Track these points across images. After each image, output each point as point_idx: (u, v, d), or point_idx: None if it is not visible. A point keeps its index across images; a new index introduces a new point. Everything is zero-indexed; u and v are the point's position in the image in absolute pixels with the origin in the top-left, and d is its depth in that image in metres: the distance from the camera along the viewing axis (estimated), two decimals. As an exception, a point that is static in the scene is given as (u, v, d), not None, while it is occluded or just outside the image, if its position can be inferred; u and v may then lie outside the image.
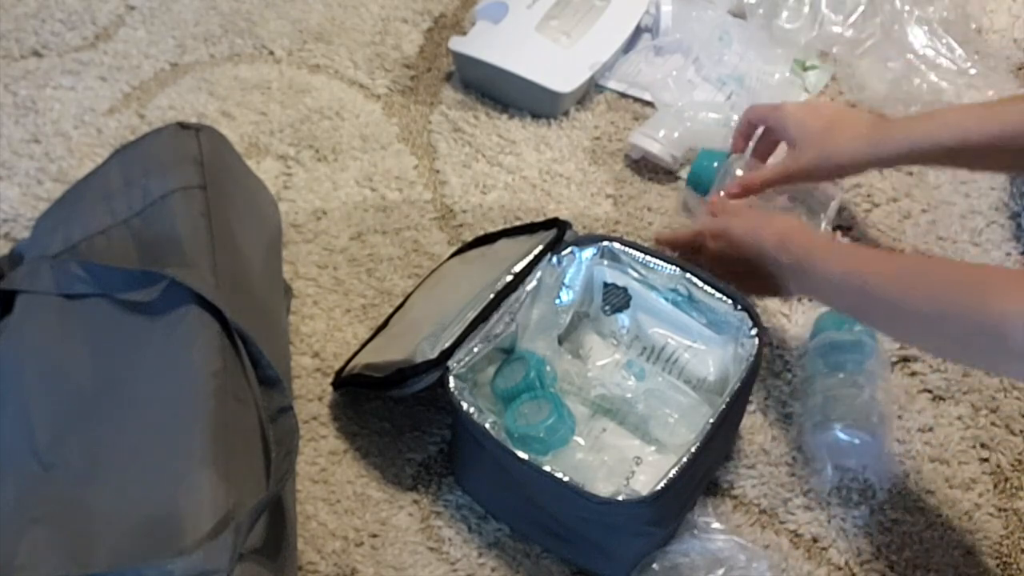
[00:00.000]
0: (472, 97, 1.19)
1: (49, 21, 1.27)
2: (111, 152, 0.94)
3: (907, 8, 1.18)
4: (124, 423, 0.75)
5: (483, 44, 1.17)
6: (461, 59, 1.18)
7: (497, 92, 1.18)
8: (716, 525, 0.85)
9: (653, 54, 1.23)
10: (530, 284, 0.88)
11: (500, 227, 1.03)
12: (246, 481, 0.73)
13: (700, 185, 1.05)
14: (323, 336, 0.99)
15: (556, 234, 0.90)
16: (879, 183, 1.10)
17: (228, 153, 0.95)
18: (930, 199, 1.09)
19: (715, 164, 1.04)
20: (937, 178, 1.11)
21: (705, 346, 0.89)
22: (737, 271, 0.90)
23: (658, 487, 0.75)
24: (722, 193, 0.99)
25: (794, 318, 1.00)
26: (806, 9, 1.20)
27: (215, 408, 0.74)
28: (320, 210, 1.09)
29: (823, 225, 1.01)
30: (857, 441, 0.87)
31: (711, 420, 0.80)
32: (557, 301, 0.91)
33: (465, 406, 0.80)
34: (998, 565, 0.85)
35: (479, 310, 0.85)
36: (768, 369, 0.96)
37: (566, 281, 0.91)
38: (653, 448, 0.87)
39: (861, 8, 1.20)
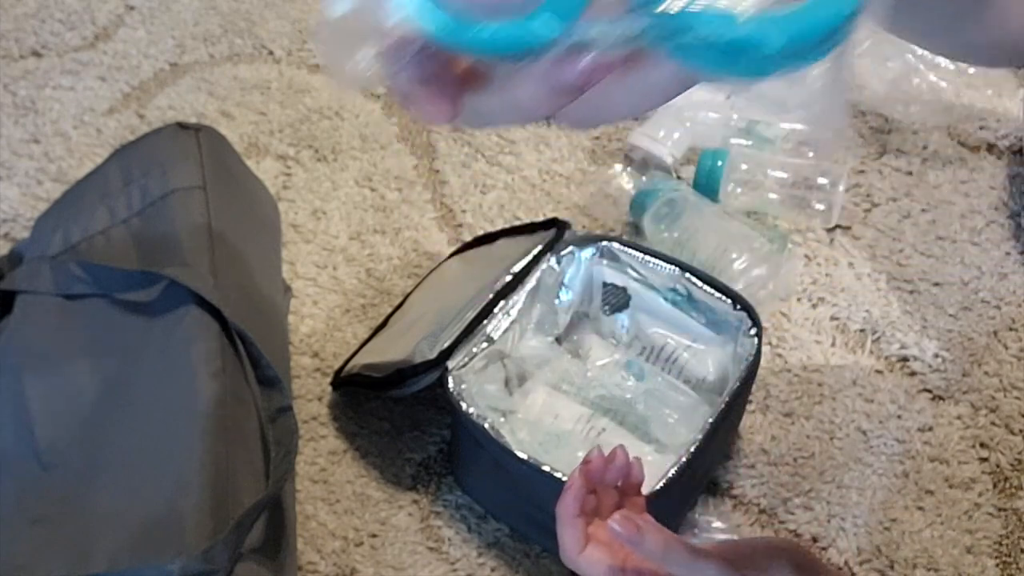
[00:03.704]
0: (472, 97, 1.19)
1: (49, 21, 1.27)
2: (111, 152, 0.94)
3: (906, 8, 1.18)
4: (124, 423, 0.75)
5: (483, 44, 1.16)
6: (461, 59, 1.18)
7: (497, 92, 1.18)
8: (717, 524, 0.86)
9: (653, 54, 1.22)
10: (529, 284, 0.88)
11: (500, 227, 1.03)
12: (246, 481, 0.73)
13: (709, 185, 1.05)
14: (323, 336, 0.99)
15: (555, 234, 0.90)
16: (879, 183, 1.10)
17: (228, 153, 0.95)
18: (930, 199, 1.09)
19: (718, 163, 1.04)
20: (937, 178, 1.11)
21: (704, 346, 0.89)
22: None
23: (658, 486, 0.75)
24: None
25: (794, 318, 1.00)
26: (805, 9, 1.20)
27: (215, 408, 0.74)
28: (319, 210, 1.09)
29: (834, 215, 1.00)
30: None
31: (711, 420, 0.80)
32: (556, 301, 0.91)
33: (465, 406, 0.80)
34: (998, 565, 0.85)
35: (478, 310, 0.85)
36: (768, 369, 0.96)
37: (565, 281, 0.91)
38: (653, 448, 0.87)
39: (860, 8, 1.20)
